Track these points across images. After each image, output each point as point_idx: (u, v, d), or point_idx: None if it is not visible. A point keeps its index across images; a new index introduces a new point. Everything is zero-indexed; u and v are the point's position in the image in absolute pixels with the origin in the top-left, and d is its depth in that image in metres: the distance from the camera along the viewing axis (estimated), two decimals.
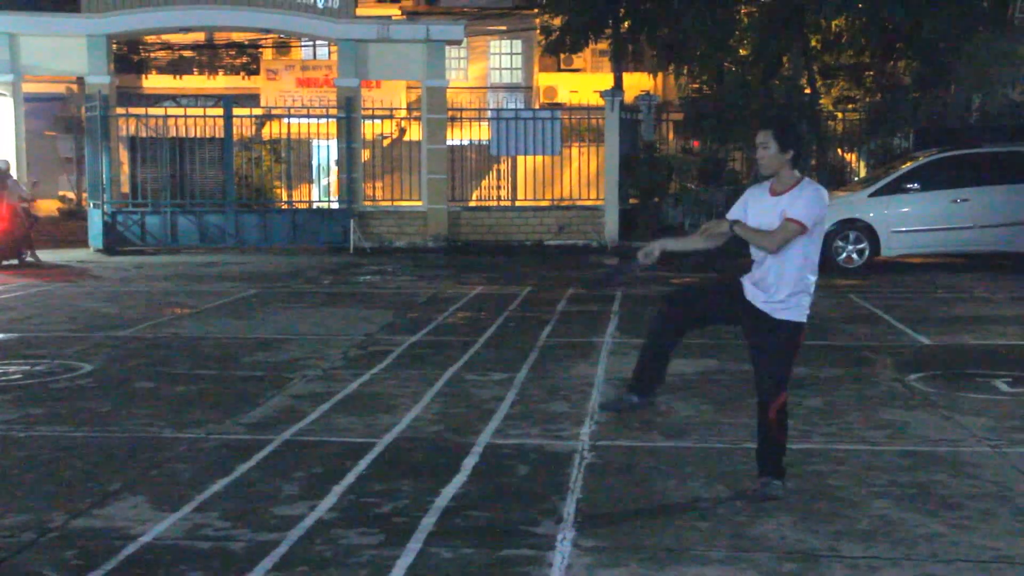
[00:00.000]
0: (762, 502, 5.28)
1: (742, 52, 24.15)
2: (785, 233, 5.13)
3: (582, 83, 33.44)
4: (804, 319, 5.29)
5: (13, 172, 19.33)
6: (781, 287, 5.22)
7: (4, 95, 20.61)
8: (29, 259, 17.76)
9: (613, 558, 4.62)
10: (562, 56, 31.25)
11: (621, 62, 26.04)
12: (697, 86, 24.36)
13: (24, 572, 4.52)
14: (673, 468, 5.95)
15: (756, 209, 5.29)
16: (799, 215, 5.12)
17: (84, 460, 6.17)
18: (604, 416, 7.14)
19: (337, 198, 23.25)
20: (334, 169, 27.04)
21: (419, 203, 21.67)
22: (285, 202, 23.11)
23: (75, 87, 28.52)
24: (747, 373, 8.49)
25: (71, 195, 31.28)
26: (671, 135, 25.79)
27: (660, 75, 30.49)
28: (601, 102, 22.02)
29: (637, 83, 29.71)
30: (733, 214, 5.40)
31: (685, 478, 5.75)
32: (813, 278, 5.30)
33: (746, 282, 5.36)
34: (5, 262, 17.32)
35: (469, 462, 6.08)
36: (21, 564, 4.60)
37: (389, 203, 22.10)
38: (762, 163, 5.26)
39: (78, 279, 15.94)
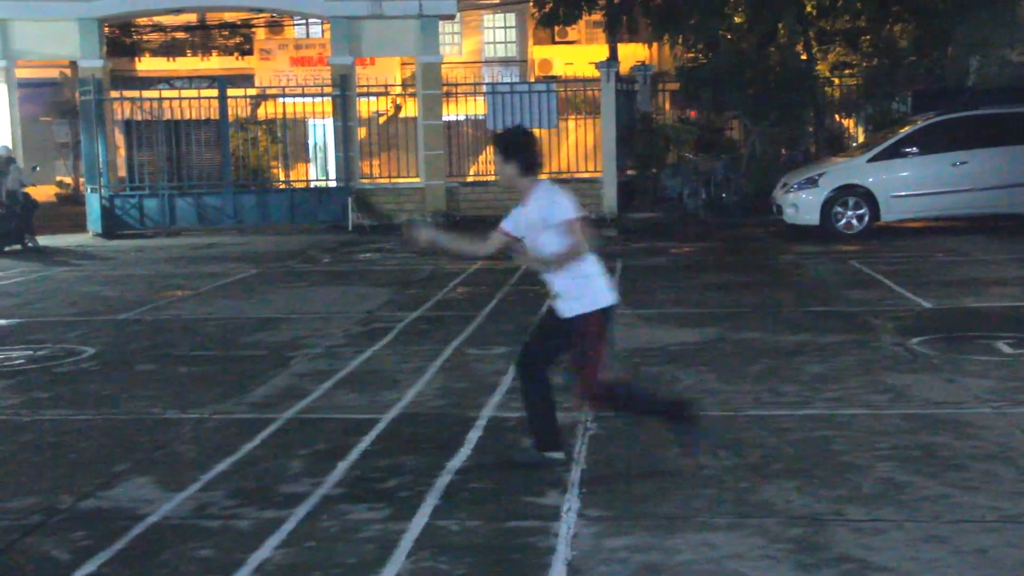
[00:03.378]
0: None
1: (737, 20, 24.00)
2: (573, 235, 5.12)
3: (577, 55, 33.30)
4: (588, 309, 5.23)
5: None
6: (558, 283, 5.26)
7: None
8: (30, 244, 17.78)
9: (618, 527, 4.64)
10: (556, 28, 31.12)
11: (616, 33, 25.90)
12: (692, 55, 24.23)
13: (33, 554, 4.55)
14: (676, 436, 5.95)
15: (524, 224, 5.33)
16: (566, 214, 5.14)
17: (89, 443, 6.19)
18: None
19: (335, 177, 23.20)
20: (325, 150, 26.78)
21: (417, 179, 21.61)
22: (283, 182, 23.05)
23: (68, 72, 28.41)
24: (748, 341, 8.58)
25: (68, 180, 31.21)
26: (667, 105, 25.67)
27: (655, 45, 30.35)
28: (596, 74, 21.92)
29: (632, 54, 29.60)
30: (512, 230, 5.36)
31: None
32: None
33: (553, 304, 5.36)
34: (7, 247, 17.33)
35: (473, 435, 6.10)
36: (30, 546, 4.62)
37: (387, 180, 22.03)
38: (501, 180, 5.43)
39: (78, 264, 15.94)
